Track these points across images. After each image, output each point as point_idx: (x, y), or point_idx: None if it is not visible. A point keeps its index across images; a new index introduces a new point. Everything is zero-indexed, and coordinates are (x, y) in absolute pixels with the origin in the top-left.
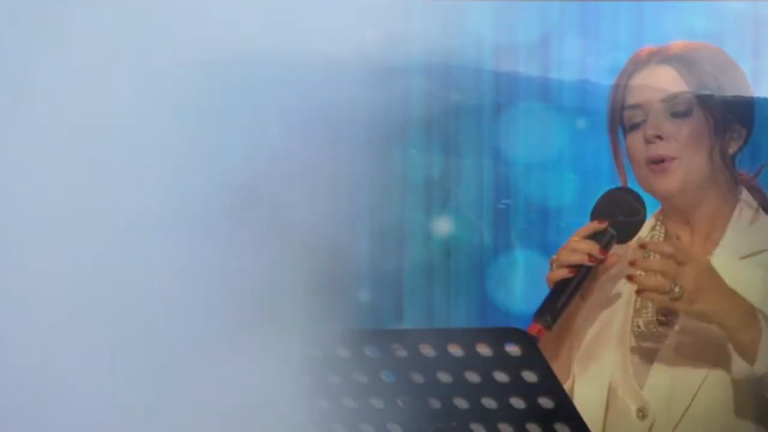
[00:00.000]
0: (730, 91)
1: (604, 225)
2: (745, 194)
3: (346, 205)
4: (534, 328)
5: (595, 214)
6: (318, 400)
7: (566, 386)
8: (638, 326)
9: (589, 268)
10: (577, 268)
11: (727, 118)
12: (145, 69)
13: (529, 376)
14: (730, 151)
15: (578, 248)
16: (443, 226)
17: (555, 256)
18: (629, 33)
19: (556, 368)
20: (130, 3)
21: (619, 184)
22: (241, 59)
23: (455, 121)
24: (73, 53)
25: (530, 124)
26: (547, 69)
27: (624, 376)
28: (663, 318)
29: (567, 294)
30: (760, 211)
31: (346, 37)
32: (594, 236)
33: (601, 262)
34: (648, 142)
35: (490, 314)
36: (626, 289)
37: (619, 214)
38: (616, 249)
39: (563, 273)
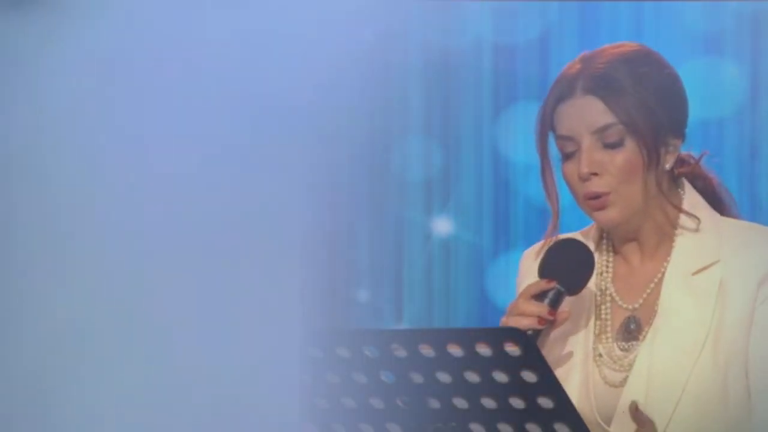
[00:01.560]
0: (662, 107)
1: (552, 284)
2: (687, 195)
3: (346, 205)
4: None
5: (543, 272)
6: (318, 400)
7: None
8: (600, 354)
9: (539, 330)
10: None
11: (660, 137)
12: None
13: (529, 376)
14: (667, 166)
15: (527, 311)
16: (443, 226)
17: (504, 319)
18: (629, 33)
19: None
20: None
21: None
22: (239, 58)
23: (455, 121)
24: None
25: (530, 123)
26: (547, 69)
27: (588, 411)
28: (624, 344)
29: None
30: (701, 215)
31: (346, 37)
32: (542, 296)
33: (552, 322)
34: (583, 180)
35: (490, 314)
36: (581, 338)
37: (566, 270)
38: (565, 303)
39: None
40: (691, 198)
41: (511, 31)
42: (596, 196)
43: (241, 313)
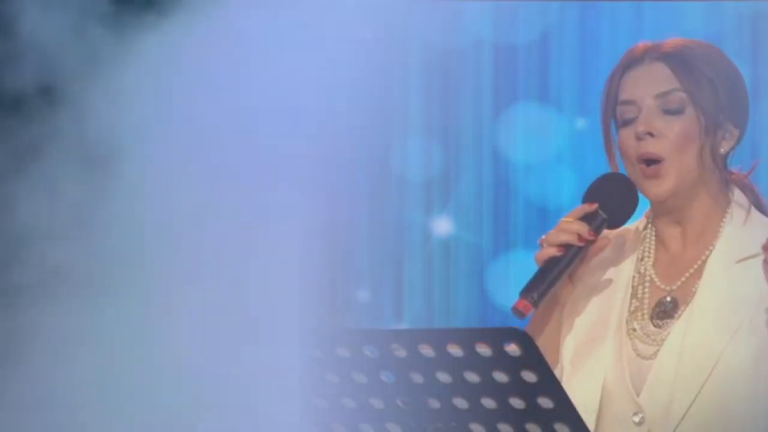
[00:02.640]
0: (724, 90)
1: (594, 207)
2: (737, 194)
3: (346, 205)
4: (520, 304)
5: (587, 197)
6: (318, 400)
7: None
8: (634, 329)
9: (578, 248)
10: (565, 247)
11: (720, 117)
12: None
13: (529, 376)
14: (721, 150)
15: (568, 228)
16: (443, 226)
17: (545, 236)
18: (629, 33)
19: (540, 347)
20: None
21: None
22: (238, 59)
23: (455, 121)
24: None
25: (530, 124)
26: (547, 69)
27: (620, 380)
28: (658, 321)
29: (555, 273)
30: (752, 211)
31: (346, 37)
32: (585, 218)
33: (591, 243)
34: (639, 138)
35: (490, 314)
36: (621, 282)
37: (610, 199)
38: (607, 234)
39: (551, 252)
40: (740, 196)
41: (511, 31)
42: (650, 159)
43: (241, 313)
